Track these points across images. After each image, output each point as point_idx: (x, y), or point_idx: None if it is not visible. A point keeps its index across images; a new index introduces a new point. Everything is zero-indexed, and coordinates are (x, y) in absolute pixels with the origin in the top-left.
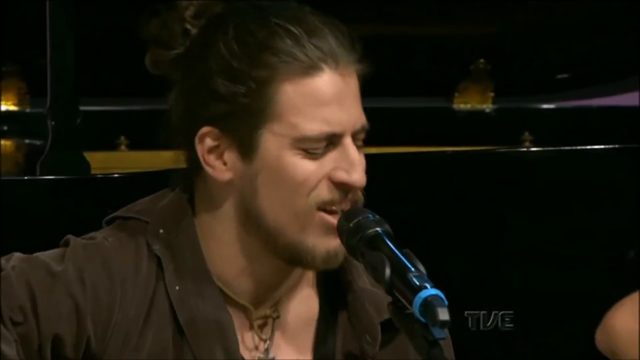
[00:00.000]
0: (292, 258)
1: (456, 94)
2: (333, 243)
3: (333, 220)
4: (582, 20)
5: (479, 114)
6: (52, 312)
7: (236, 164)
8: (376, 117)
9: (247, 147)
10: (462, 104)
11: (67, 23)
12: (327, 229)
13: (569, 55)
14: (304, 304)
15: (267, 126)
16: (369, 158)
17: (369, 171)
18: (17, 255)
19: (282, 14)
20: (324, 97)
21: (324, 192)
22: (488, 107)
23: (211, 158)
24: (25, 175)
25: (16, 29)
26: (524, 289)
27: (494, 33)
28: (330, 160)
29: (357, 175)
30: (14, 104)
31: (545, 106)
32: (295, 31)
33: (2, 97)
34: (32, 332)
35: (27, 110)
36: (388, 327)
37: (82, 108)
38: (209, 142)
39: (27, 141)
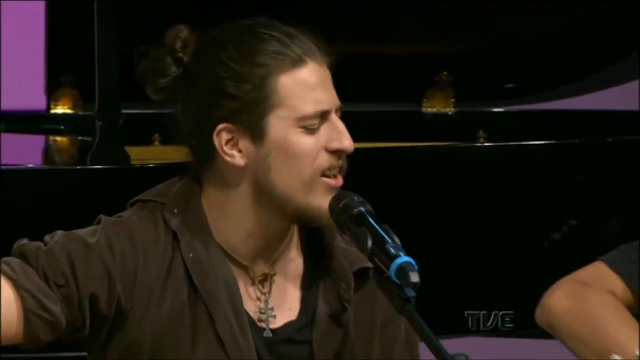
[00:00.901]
0: (301, 218)
1: (424, 100)
2: None
3: (334, 181)
4: (525, 41)
5: (443, 116)
6: (88, 275)
7: (250, 150)
8: (360, 118)
9: (258, 134)
10: (429, 108)
11: (112, 43)
12: (329, 189)
13: (514, 69)
14: (293, 262)
15: (273, 112)
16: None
17: (354, 164)
18: (59, 232)
19: (263, 25)
20: (312, 82)
21: (324, 160)
22: (450, 110)
23: (228, 149)
24: (78, 165)
25: (70, 48)
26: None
27: (455, 51)
28: (323, 133)
29: (347, 141)
30: (69, 108)
31: (496, 109)
32: (279, 35)
33: (60, 102)
34: (72, 292)
35: (80, 113)
36: (359, 276)
37: (123, 111)
38: (225, 136)
39: (79, 138)
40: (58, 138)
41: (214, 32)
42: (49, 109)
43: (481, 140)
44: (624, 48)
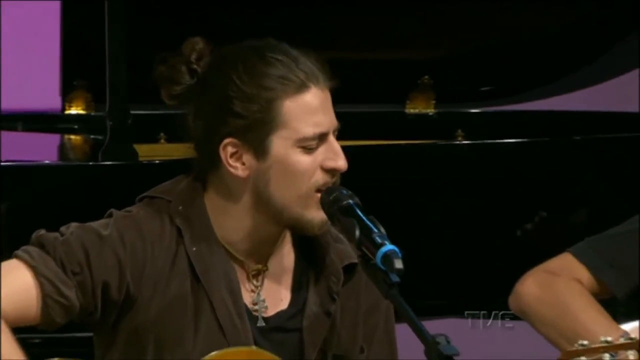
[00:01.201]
0: (295, 227)
1: (407, 102)
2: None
3: None
4: (498, 48)
5: (424, 116)
6: (102, 265)
7: (252, 164)
8: (349, 118)
9: (261, 150)
10: (412, 109)
11: (121, 50)
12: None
13: (489, 73)
14: (285, 258)
15: (276, 133)
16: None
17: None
18: (74, 224)
19: (271, 49)
20: (313, 107)
21: (319, 178)
22: (431, 111)
23: (232, 161)
24: (90, 161)
25: (84, 55)
26: None
27: (436, 57)
28: (320, 153)
29: (342, 161)
30: (82, 109)
31: (473, 110)
32: (285, 60)
33: (74, 104)
34: (86, 280)
35: (92, 113)
36: (346, 271)
37: (132, 112)
38: (230, 149)
39: (91, 136)
40: (72, 137)
41: (227, 50)
42: (63, 110)
43: (459, 138)
44: (588, 55)
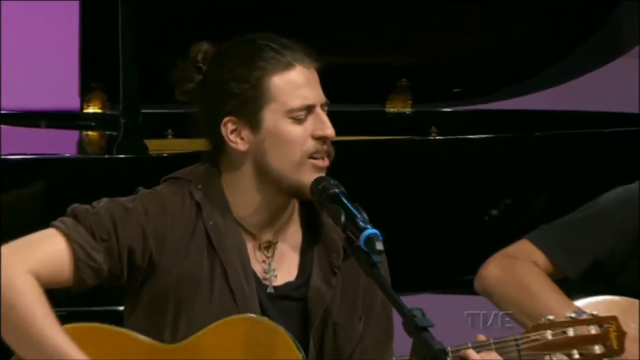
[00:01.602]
0: (295, 193)
1: (387, 102)
2: None
3: (320, 162)
4: (466, 55)
5: (402, 114)
6: (127, 233)
7: (250, 138)
8: (335, 117)
9: (255, 124)
10: (391, 108)
11: (133, 55)
12: (316, 169)
13: (460, 76)
14: (293, 234)
15: (267, 107)
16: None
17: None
18: (105, 199)
19: (263, 37)
20: (299, 82)
21: (310, 145)
22: (408, 110)
23: (233, 137)
24: (106, 155)
25: (101, 59)
26: None
27: (412, 62)
28: (309, 123)
29: (330, 130)
30: (99, 108)
31: (445, 109)
32: (274, 45)
33: (91, 104)
34: (113, 246)
35: (107, 112)
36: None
37: (142, 110)
38: (230, 127)
39: (107, 133)
40: (89, 133)
41: (225, 44)
42: (82, 109)
43: (433, 134)
44: (547, 60)
